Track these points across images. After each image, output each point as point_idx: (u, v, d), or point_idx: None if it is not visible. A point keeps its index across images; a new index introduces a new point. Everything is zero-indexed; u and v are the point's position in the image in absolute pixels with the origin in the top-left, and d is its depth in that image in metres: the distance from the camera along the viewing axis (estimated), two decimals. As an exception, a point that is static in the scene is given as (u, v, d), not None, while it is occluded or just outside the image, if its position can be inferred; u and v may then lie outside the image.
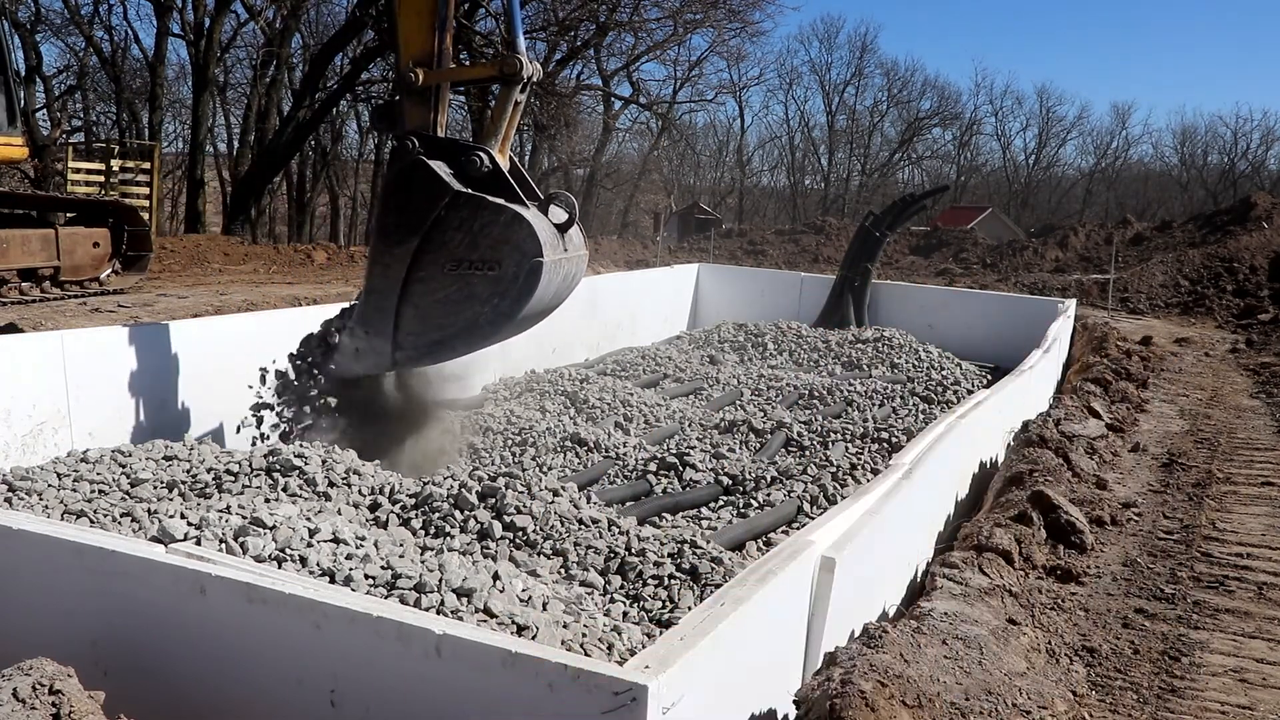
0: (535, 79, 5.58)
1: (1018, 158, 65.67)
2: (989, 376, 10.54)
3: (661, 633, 2.94)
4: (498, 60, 5.54)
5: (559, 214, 5.52)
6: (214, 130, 37.33)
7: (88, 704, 2.35)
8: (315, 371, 5.90)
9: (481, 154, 5.34)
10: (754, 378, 9.70)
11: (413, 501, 4.62)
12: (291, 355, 6.02)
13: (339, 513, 4.37)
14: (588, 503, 4.83)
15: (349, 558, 3.50)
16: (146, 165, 20.32)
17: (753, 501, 5.96)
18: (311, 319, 7.81)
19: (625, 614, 3.98)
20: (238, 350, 6.74)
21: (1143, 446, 7.54)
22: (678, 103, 41.41)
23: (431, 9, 5.42)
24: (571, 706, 2.25)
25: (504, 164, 5.46)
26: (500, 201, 5.24)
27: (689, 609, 3.44)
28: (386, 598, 3.23)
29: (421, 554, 3.85)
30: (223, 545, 3.48)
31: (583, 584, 4.13)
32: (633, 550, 4.39)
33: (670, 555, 4.40)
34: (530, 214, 5.27)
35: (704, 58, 39.17)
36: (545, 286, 5.31)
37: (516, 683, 2.31)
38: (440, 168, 5.31)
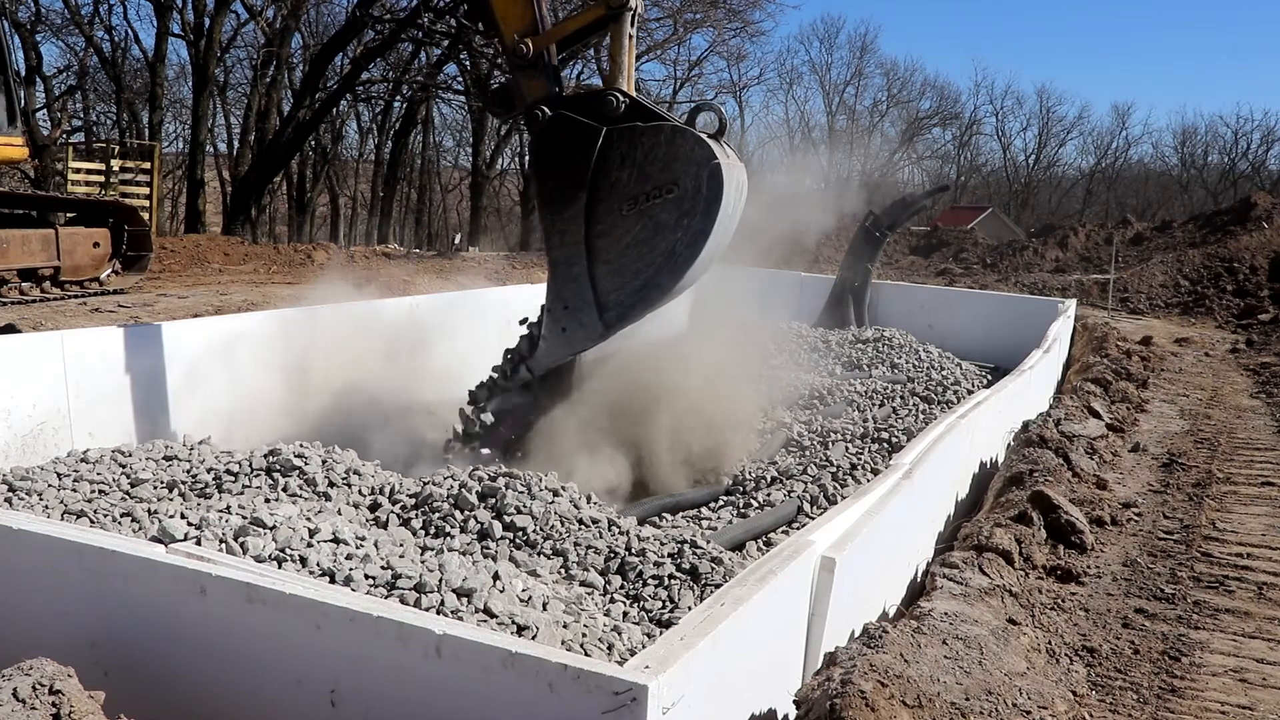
0: (641, 11, 5.48)
1: (1018, 158, 65.71)
2: (989, 376, 10.54)
3: (661, 633, 2.94)
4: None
5: (708, 127, 5.31)
6: (214, 130, 37.41)
7: (88, 704, 2.34)
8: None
9: (615, 94, 5.20)
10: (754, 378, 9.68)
11: (413, 501, 4.62)
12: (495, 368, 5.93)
13: (339, 513, 4.37)
14: (588, 503, 4.82)
15: (349, 558, 3.50)
16: (146, 165, 20.34)
17: (753, 501, 5.96)
18: (309, 319, 7.83)
19: (625, 614, 3.98)
20: (238, 350, 6.74)
21: (1143, 446, 7.54)
22: (678, 103, 41.39)
23: None
24: (571, 706, 2.25)
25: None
26: (654, 122, 5.09)
27: (689, 609, 3.44)
28: (386, 598, 3.23)
29: (421, 554, 3.85)
30: (223, 545, 3.48)
31: (583, 584, 4.13)
32: (633, 550, 4.39)
33: (670, 555, 4.40)
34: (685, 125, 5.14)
35: (704, 58, 39.17)
36: (727, 194, 5.10)
37: (517, 683, 2.31)
38: (580, 117, 5.19)
